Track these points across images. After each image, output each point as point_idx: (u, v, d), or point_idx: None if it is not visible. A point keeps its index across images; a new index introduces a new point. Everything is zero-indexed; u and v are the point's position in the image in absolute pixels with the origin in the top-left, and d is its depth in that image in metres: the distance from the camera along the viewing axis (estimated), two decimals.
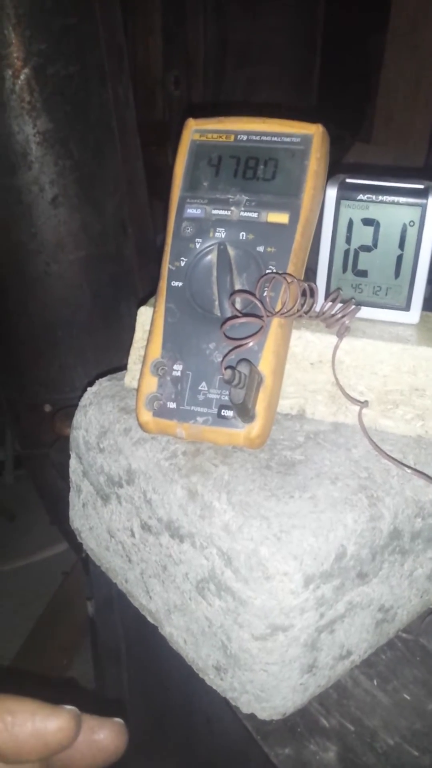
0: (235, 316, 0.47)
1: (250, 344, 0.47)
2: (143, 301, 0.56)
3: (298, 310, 0.48)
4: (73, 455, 0.59)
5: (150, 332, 0.51)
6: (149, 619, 0.56)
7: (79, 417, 0.58)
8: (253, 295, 0.47)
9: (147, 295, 0.57)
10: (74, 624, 1.54)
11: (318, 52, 2.13)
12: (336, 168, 0.54)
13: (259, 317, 0.47)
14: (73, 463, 0.60)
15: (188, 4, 1.91)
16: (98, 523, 0.58)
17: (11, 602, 1.69)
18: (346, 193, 0.51)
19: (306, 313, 0.49)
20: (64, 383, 1.02)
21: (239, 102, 2.00)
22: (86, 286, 0.98)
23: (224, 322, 0.47)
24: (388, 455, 0.49)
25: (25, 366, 1.04)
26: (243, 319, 0.47)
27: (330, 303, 0.51)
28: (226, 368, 0.43)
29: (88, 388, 0.59)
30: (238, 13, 1.97)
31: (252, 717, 0.49)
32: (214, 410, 0.48)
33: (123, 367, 0.58)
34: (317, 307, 0.52)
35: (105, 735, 0.33)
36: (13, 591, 1.72)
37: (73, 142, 0.89)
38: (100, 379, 0.59)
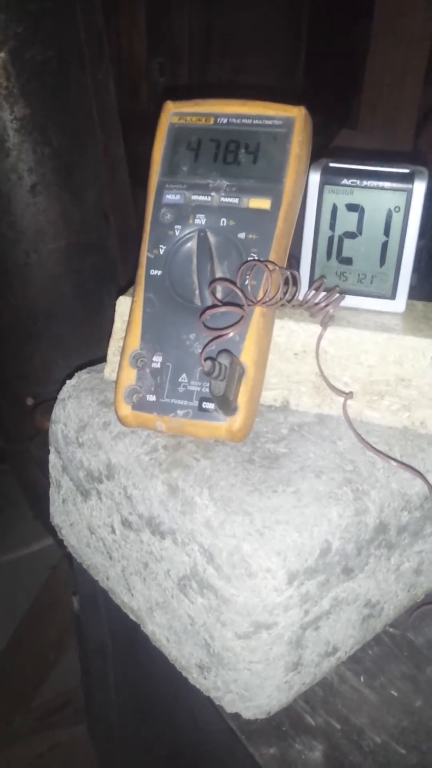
0: (214, 306, 0.46)
1: (231, 334, 0.45)
2: (123, 291, 0.55)
3: (280, 299, 0.47)
4: (52, 450, 0.58)
5: (128, 323, 0.49)
6: (131, 616, 0.55)
7: (57, 411, 0.56)
8: (234, 283, 0.46)
9: (127, 284, 0.55)
10: (61, 619, 1.52)
11: (304, 39, 2.11)
12: (320, 154, 0.53)
13: (240, 306, 0.45)
14: (53, 458, 0.58)
15: None
16: (78, 519, 0.57)
17: None
18: (330, 177, 0.50)
19: (289, 301, 0.48)
20: (46, 376, 1.00)
21: (223, 83, 1.97)
22: (67, 276, 0.96)
23: (203, 312, 0.46)
24: (373, 448, 0.48)
25: (6, 358, 1.02)
26: (223, 309, 0.45)
27: (314, 291, 0.49)
28: (205, 359, 0.41)
29: (67, 381, 0.57)
30: (223, 1, 1.95)
31: (236, 716, 0.48)
32: (195, 403, 0.46)
33: (104, 359, 0.56)
34: (300, 296, 0.51)
35: None
36: (1, 586, 1.71)
37: (52, 128, 0.87)
38: (79, 372, 0.58)
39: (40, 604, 1.60)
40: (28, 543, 1.79)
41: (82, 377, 0.57)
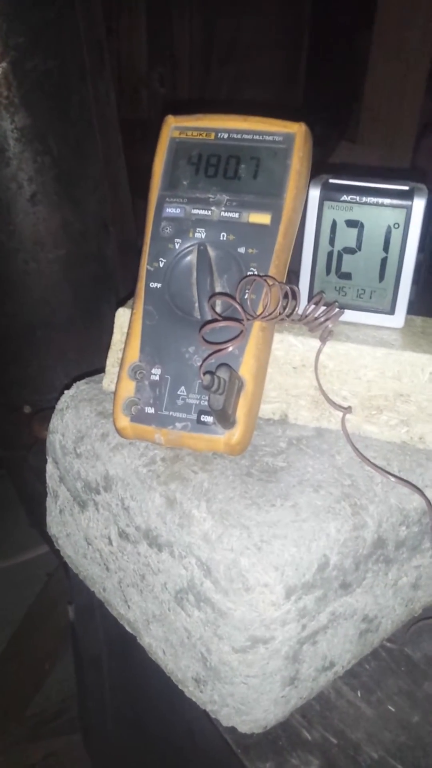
0: (214, 320, 0.46)
1: (230, 349, 0.45)
2: (123, 302, 0.55)
3: (279, 314, 0.47)
4: (49, 460, 0.58)
5: (128, 335, 0.49)
6: (128, 628, 0.55)
7: (55, 421, 0.56)
8: (233, 298, 0.46)
9: (127, 296, 0.55)
10: (57, 628, 1.52)
11: (304, 50, 2.12)
12: (320, 168, 0.53)
13: (240, 321, 0.45)
14: (50, 468, 0.58)
15: (173, 1, 1.89)
16: (75, 530, 0.57)
17: None
18: (330, 193, 0.50)
19: (288, 316, 0.48)
20: (44, 384, 1.00)
21: (224, 100, 1.98)
22: (66, 285, 0.96)
23: (203, 326, 0.46)
24: (371, 463, 0.48)
25: (4, 366, 1.02)
26: (222, 323, 0.45)
27: (313, 306, 0.50)
28: (204, 373, 0.41)
29: (65, 391, 0.57)
30: (224, 10, 1.96)
31: (233, 730, 0.48)
32: (194, 416, 0.46)
33: (102, 369, 0.56)
34: (300, 310, 0.51)
35: None
36: None
37: (53, 138, 0.87)
38: (78, 382, 0.58)
39: (36, 612, 1.60)
40: (25, 550, 1.79)
41: (80, 388, 0.57)
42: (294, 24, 2.07)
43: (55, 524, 0.60)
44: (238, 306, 0.45)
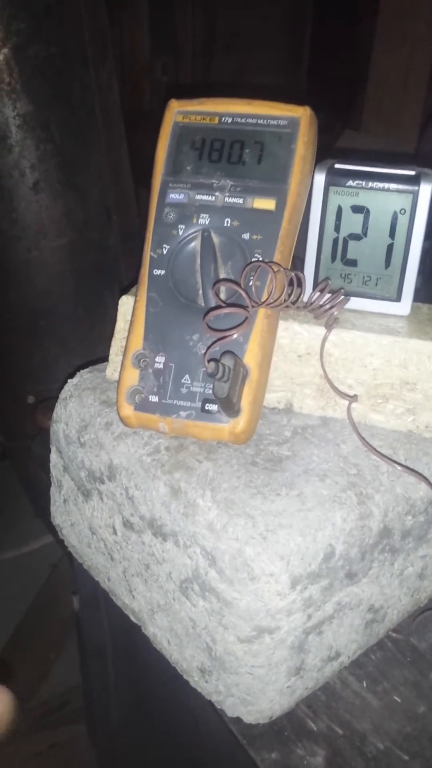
0: (218, 307, 0.45)
1: (235, 336, 0.45)
2: (126, 290, 0.54)
3: (285, 301, 0.46)
4: (53, 449, 0.57)
5: (131, 323, 0.49)
6: (132, 618, 0.55)
7: (59, 410, 0.56)
8: (238, 284, 0.45)
9: (130, 283, 0.55)
10: (61, 617, 1.52)
11: (307, 39, 2.11)
12: (325, 153, 0.52)
13: (244, 308, 0.45)
14: (54, 457, 0.58)
15: None
16: (80, 519, 0.57)
17: (0, 594, 1.67)
18: (335, 179, 0.49)
19: (293, 303, 0.47)
20: (48, 374, 0.99)
21: (228, 83, 1.97)
22: (69, 274, 0.95)
23: (207, 313, 0.45)
24: (377, 452, 0.47)
25: (7, 356, 1.02)
26: (227, 310, 0.45)
27: (318, 293, 0.49)
28: (209, 361, 0.41)
29: (69, 380, 0.57)
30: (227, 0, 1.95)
31: (238, 720, 0.48)
32: (198, 404, 0.46)
33: (106, 357, 0.56)
34: (305, 298, 0.50)
35: None
36: (2, 583, 1.70)
37: (55, 125, 0.86)
38: (81, 371, 0.57)
39: (41, 603, 1.60)
40: (30, 540, 1.79)
41: (83, 376, 0.57)
42: (297, 12, 2.06)
43: (59, 514, 0.60)
44: (242, 292, 0.45)
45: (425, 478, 0.47)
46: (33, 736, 1.35)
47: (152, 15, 1.84)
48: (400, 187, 0.49)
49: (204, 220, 0.48)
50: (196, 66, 1.99)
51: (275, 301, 0.45)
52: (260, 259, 0.47)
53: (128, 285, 0.55)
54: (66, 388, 0.56)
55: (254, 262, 0.46)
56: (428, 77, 1.63)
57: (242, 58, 2.01)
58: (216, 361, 0.41)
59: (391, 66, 1.67)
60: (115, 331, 0.54)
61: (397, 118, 1.65)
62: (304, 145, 0.48)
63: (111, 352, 0.55)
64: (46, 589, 1.61)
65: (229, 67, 2.00)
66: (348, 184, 0.49)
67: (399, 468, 0.47)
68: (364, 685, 0.51)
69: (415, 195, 0.48)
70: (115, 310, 0.54)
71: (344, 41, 2.10)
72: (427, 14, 1.59)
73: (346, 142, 1.61)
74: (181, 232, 0.49)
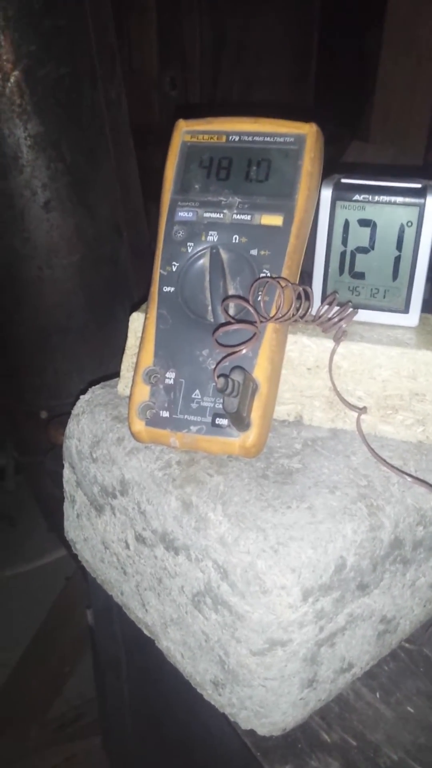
0: (227, 323, 0.46)
1: (244, 351, 0.45)
2: (137, 307, 0.55)
3: (293, 315, 0.47)
4: (66, 465, 0.58)
5: (142, 339, 0.49)
6: (146, 632, 0.55)
7: (71, 426, 0.56)
8: (246, 300, 0.46)
9: (140, 299, 0.56)
10: (76, 630, 1.52)
11: (314, 49, 2.12)
12: (332, 168, 0.53)
13: (252, 323, 0.45)
14: (67, 473, 0.58)
15: (183, 4, 1.89)
16: (93, 534, 0.57)
17: (14, 608, 1.68)
18: (342, 193, 0.50)
19: (302, 317, 0.48)
20: (60, 389, 1.00)
21: (235, 102, 1.98)
22: (81, 290, 0.96)
23: (216, 329, 0.46)
24: (387, 463, 0.48)
25: (21, 372, 1.03)
26: (236, 326, 0.45)
27: (326, 306, 0.49)
28: (218, 376, 0.41)
29: (81, 396, 0.58)
30: (234, 12, 1.96)
31: (252, 733, 0.48)
32: (208, 419, 0.46)
33: (118, 373, 0.57)
34: (313, 311, 0.51)
35: None
36: (16, 596, 1.71)
37: (66, 145, 0.88)
38: (93, 387, 0.58)
39: (56, 615, 1.60)
40: (44, 553, 1.80)
41: (95, 392, 0.58)
42: (303, 23, 2.07)
43: (72, 529, 0.61)
44: (251, 308, 0.45)
45: None
46: (49, 749, 1.36)
47: (160, 30, 1.86)
48: (407, 200, 0.49)
49: (212, 237, 0.49)
50: (205, 79, 2.00)
51: (284, 315, 0.46)
52: (268, 274, 0.47)
53: (139, 301, 0.56)
54: (78, 404, 0.57)
55: (262, 277, 0.47)
56: None
57: (250, 71, 2.02)
58: (225, 376, 0.41)
59: (398, 75, 1.68)
60: (126, 347, 0.55)
61: (405, 127, 1.66)
62: (310, 161, 0.49)
63: (122, 367, 0.55)
64: (60, 602, 1.62)
65: (237, 80, 2.02)
66: (355, 198, 0.50)
67: (409, 479, 0.47)
68: (378, 696, 0.51)
69: (422, 207, 0.49)
70: (126, 324, 0.55)
71: (352, 51, 2.11)
72: None
73: (354, 152, 1.61)
74: (190, 250, 0.49)
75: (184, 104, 1.86)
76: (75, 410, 0.57)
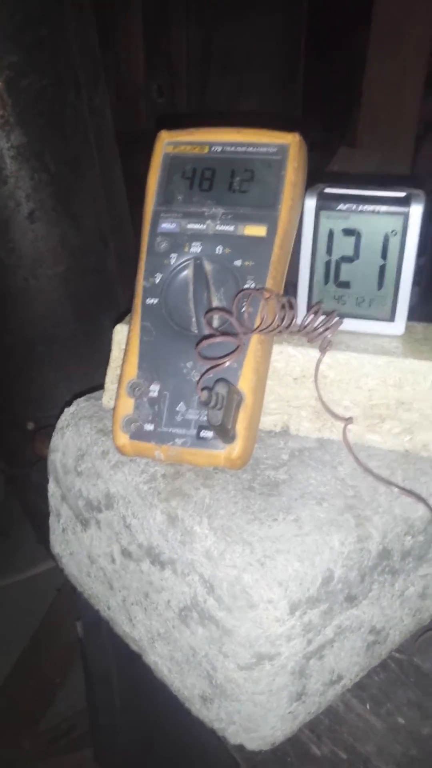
0: (210, 335, 0.46)
1: (227, 364, 0.45)
2: (121, 318, 0.55)
3: (277, 326, 0.46)
4: (51, 479, 0.58)
5: (125, 351, 0.49)
6: (133, 647, 0.54)
7: (56, 439, 0.56)
8: (229, 312, 0.46)
9: (126, 309, 0.55)
10: (67, 641, 1.51)
11: (302, 55, 2.12)
12: (316, 176, 0.53)
13: (236, 335, 0.45)
14: (52, 486, 0.58)
15: (170, 11, 1.90)
16: (78, 548, 0.57)
17: (4, 618, 1.66)
18: (326, 203, 0.50)
19: (286, 328, 0.47)
20: (47, 400, 1.00)
21: (221, 111, 1.98)
22: (67, 300, 0.96)
23: (199, 342, 0.46)
24: (375, 474, 0.47)
25: (6, 383, 1.02)
26: (219, 339, 0.45)
27: (311, 316, 0.49)
28: (202, 389, 0.41)
29: (66, 409, 0.57)
30: (220, 18, 1.96)
31: (241, 747, 0.48)
32: (193, 431, 0.46)
33: (103, 384, 0.56)
34: (298, 321, 0.51)
35: None
36: (7, 607, 1.70)
37: (49, 155, 0.87)
38: (78, 399, 0.58)
39: (46, 626, 1.59)
40: (34, 564, 1.79)
41: (80, 405, 0.57)
42: (291, 28, 2.07)
43: (58, 543, 0.60)
44: (234, 320, 0.45)
45: (423, 500, 0.47)
46: (41, 761, 1.34)
47: (147, 36, 1.86)
48: (391, 209, 0.49)
49: (196, 248, 0.49)
50: (192, 86, 2.00)
51: (268, 327, 0.46)
52: (253, 285, 0.47)
53: (123, 312, 0.55)
54: (63, 417, 0.56)
55: (245, 289, 0.47)
56: (422, 90, 1.64)
57: (238, 77, 2.03)
58: (209, 389, 0.41)
59: (385, 78, 1.68)
60: (110, 360, 0.54)
61: (393, 132, 1.66)
62: (293, 171, 0.49)
63: (107, 380, 0.55)
64: (51, 613, 1.61)
65: (225, 86, 2.02)
66: (339, 207, 0.50)
67: (396, 490, 0.47)
68: (368, 707, 0.51)
69: (406, 216, 0.49)
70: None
71: (340, 56, 2.11)
72: (419, 25, 1.60)
73: (342, 157, 1.62)
74: (173, 261, 0.49)
75: (171, 113, 1.86)
76: (59, 423, 0.56)
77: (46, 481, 0.59)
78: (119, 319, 0.55)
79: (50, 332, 0.97)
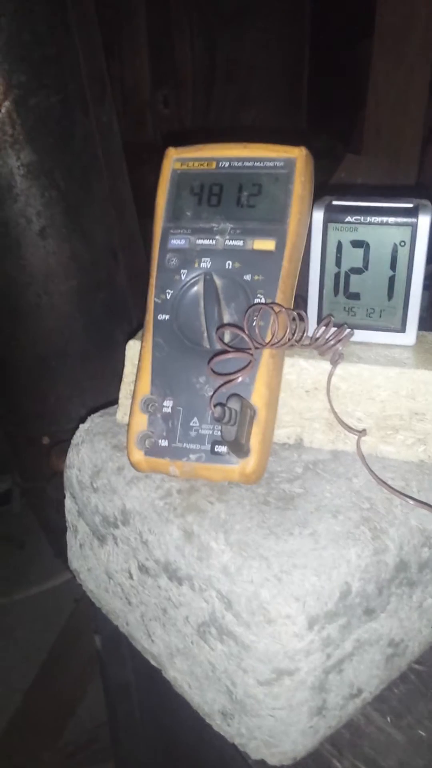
0: (222, 351, 0.46)
1: (240, 379, 0.45)
2: (133, 333, 0.55)
3: (288, 340, 0.46)
4: (67, 495, 0.58)
5: (138, 368, 0.49)
6: (153, 662, 0.54)
7: (71, 456, 0.56)
8: (240, 328, 0.46)
9: (139, 323, 0.55)
10: (87, 653, 1.51)
11: (306, 63, 2.13)
12: (323, 189, 0.53)
13: (248, 351, 0.45)
14: (68, 502, 0.58)
15: (174, 22, 1.91)
16: (96, 564, 0.57)
17: (24, 631, 1.67)
18: (334, 215, 0.50)
19: (297, 341, 0.48)
20: (61, 415, 1.00)
21: (228, 119, 1.99)
22: (79, 315, 0.96)
23: (211, 358, 0.46)
24: (389, 486, 0.47)
25: (21, 398, 1.03)
26: (230, 355, 0.45)
27: (322, 329, 0.49)
28: (215, 405, 0.41)
29: (81, 425, 0.57)
30: (225, 29, 1.97)
31: (262, 763, 0.47)
32: (207, 446, 0.46)
33: (117, 400, 0.56)
34: (309, 334, 0.51)
35: None
36: (26, 620, 1.70)
37: (59, 172, 0.88)
38: (92, 415, 0.58)
39: (67, 638, 1.60)
40: (52, 576, 1.79)
41: (95, 421, 0.57)
42: (295, 38, 2.08)
43: (75, 559, 0.60)
44: (245, 336, 0.45)
45: None
46: None
47: (152, 48, 1.87)
48: (399, 220, 0.49)
49: (206, 263, 0.49)
50: (198, 96, 2.01)
51: (279, 341, 0.46)
52: (263, 299, 0.47)
53: (136, 327, 0.56)
54: (78, 433, 0.57)
55: (256, 304, 0.47)
56: (427, 95, 1.63)
57: (243, 87, 2.03)
58: (222, 405, 0.41)
59: (390, 86, 1.68)
60: (123, 375, 0.55)
61: (398, 138, 1.66)
62: (301, 185, 0.49)
63: (120, 395, 0.55)
64: (70, 625, 1.61)
65: (231, 96, 2.03)
66: (347, 220, 0.50)
67: (411, 503, 0.46)
68: (389, 720, 0.50)
69: (414, 227, 0.49)
70: (125, 348, 0.54)
71: (344, 63, 2.12)
72: (423, 32, 1.60)
73: (347, 165, 1.62)
74: (183, 277, 0.49)
75: (179, 130, 1.87)
76: (75, 440, 0.57)
77: (63, 497, 0.59)
78: (132, 335, 0.55)
79: (63, 347, 0.97)
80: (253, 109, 1.97)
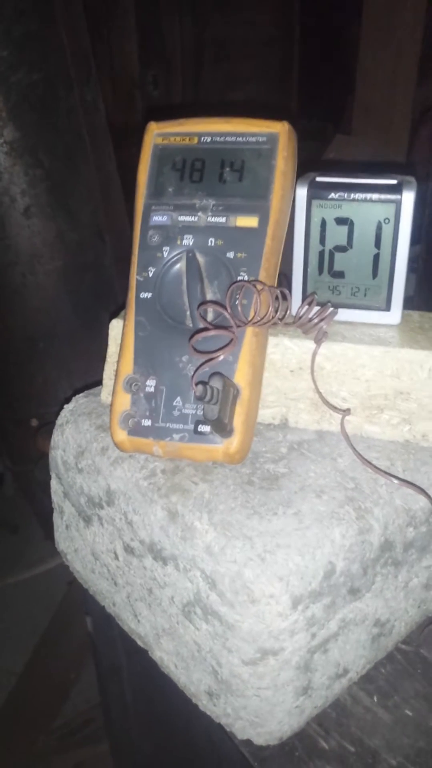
0: (204, 329, 0.45)
1: (221, 357, 0.45)
2: (116, 313, 0.54)
3: (271, 318, 0.46)
4: (53, 476, 0.57)
5: (121, 347, 0.49)
6: (139, 643, 0.54)
7: (56, 436, 0.56)
8: (222, 305, 0.45)
9: (120, 306, 0.55)
10: (80, 636, 1.52)
11: (296, 44, 2.11)
12: (308, 165, 0.52)
13: (229, 328, 0.44)
14: (54, 483, 0.58)
15: (162, 2, 1.88)
16: (82, 545, 0.56)
17: (17, 614, 1.67)
18: (317, 192, 0.49)
19: (281, 320, 0.47)
20: (49, 396, 1.00)
21: (218, 99, 1.97)
22: (65, 296, 0.95)
23: (192, 336, 0.45)
24: (374, 466, 0.47)
25: (8, 380, 1.02)
26: (212, 332, 0.45)
27: (306, 307, 0.49)
28: (197, 384, 0.40)
29: (65, 406, 0.57)
30: (214, 8, 1.95)
31: (248, 742, 0.47)
32: (191, 426, 0.46)
33: (102, 380, 0.56)
34: (293, 312, 0.50)
35: None
36: (20, 603, 1.70)
37: (43, 150, 0.87)
38: (77, 396, 0.57)
39: (59, 621, 1.60)
40: (45, 560, 1.79)
41: (79, 401, 0.57)
42: (285, 17, 2.06)
43: (62, 540, 0.60)
44: (227, 314, 0.44)
45: (423, 491, 0.46)
46: (57, 756, 1.35)
47: (140, 28, 1.85)
48: (383, 196, 0.48)
49: (188, 240, 0.48)
50: (187, 76, 1.99)
51: (261, 319, 0.45)
52: (245, 277, 0.46)
53: (119, 307, 0.55)
54: (62, 414, 0.56)
55: (238, 281, 0.46)
56: (416, 76, 1.62)
57: (232, 67, 2.01)
58: (204, 383, 0.41)
59: (378, 67, 1.67)
60: (107, 355, 0.54)
61: (388, 118, 1.64)
62: (284, 161, 0.48)
63: (104, 376, 0.55)
64: (63, 608, 1.61)
65: (220, 77, 2.01)
66: (330, 196, 0.49)
67: (396, 482, 0.46)
68: (375, 699, 0.50)
69: (398, 204, 0.48)
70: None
71: (334, 45, 2.10)
72: (411, 12, 1.58)
73: (337, 145, 1.60)
74: (165, 254, 0.48)
75: (165, 105, 1.85)
76: (59, 420, 0.56)
77: (49, 478, 0.58)
78: (115, 314, 0.54)
79: (50, 328, 0.97)
80: (242, 89, 1.96)
